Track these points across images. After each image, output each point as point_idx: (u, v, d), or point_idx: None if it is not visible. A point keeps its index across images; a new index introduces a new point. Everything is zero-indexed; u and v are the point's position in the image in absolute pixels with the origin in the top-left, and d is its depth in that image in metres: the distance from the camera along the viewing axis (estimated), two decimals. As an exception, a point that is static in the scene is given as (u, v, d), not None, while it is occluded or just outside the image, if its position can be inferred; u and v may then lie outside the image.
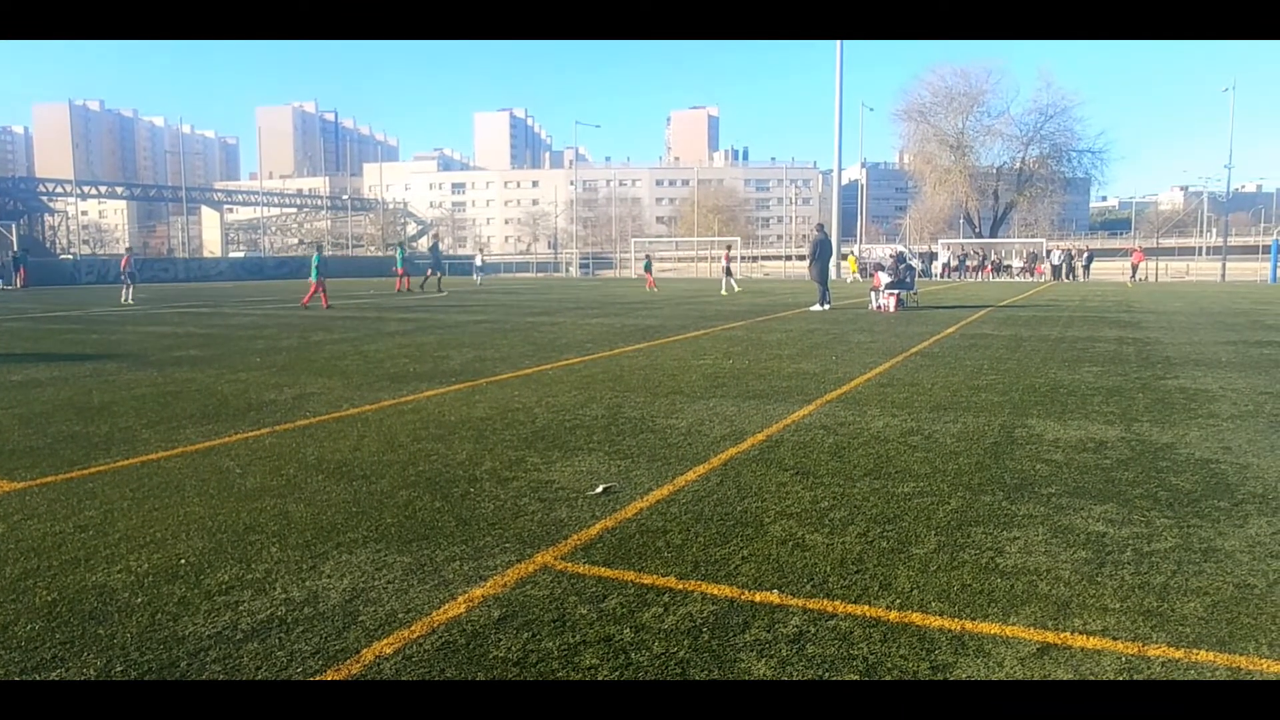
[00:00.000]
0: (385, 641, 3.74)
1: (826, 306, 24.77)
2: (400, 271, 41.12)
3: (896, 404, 9.24)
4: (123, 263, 34.08)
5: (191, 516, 5.49)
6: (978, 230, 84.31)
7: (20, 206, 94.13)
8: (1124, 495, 5.85)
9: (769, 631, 3.81)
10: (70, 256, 65.83)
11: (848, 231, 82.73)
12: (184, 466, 6.76)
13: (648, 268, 46.06)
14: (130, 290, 32.15)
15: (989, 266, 63.44)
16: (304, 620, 3.96)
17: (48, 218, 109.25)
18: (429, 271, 42.45)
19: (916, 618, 3.94)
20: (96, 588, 4.36)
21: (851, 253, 62.88)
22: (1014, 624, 3.88)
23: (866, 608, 4.05)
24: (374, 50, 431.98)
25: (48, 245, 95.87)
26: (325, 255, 28.99)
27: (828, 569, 4.53)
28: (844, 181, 72.91)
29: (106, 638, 3.80)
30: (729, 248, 44.30)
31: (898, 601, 4.12)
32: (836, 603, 4.11)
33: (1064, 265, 58.73)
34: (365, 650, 3.66)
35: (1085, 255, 61.34)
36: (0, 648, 3.71)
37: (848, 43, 58.13)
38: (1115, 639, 3.74)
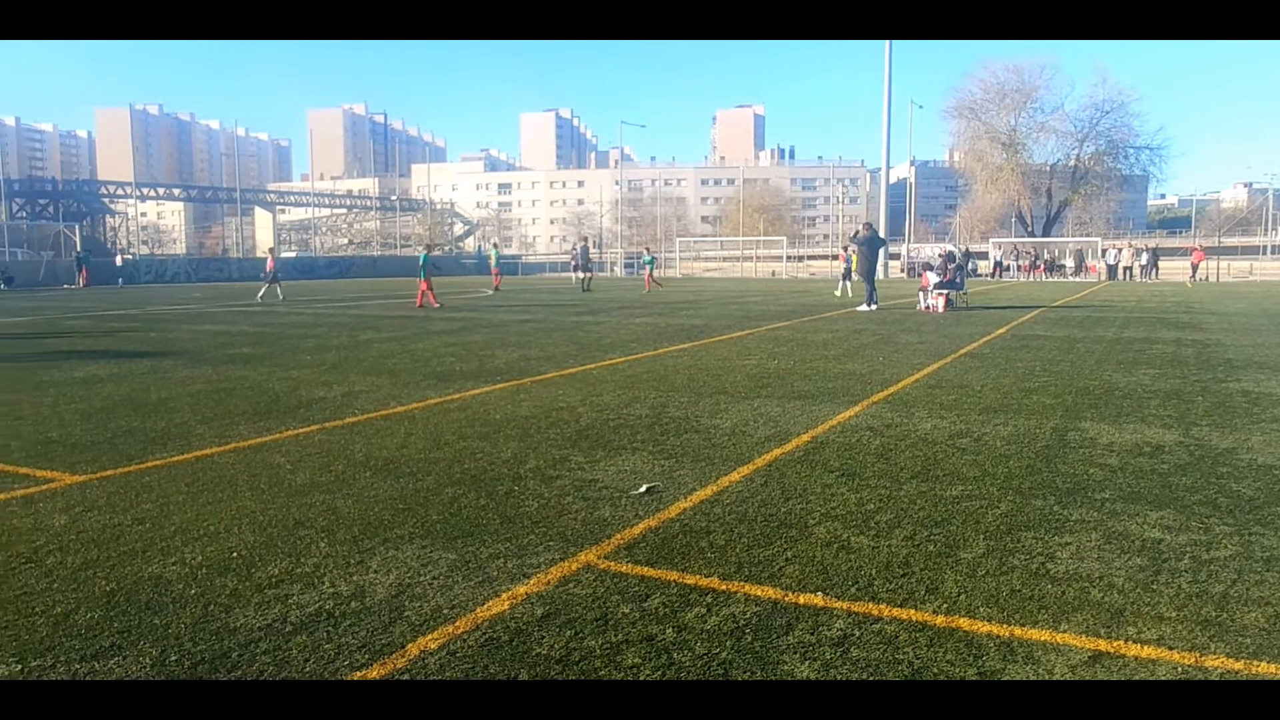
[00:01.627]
0: (430, 637, 3.76)
1: (874, 307, 24.57)
2: (497, 272, 42.13)
3: (945, 406, 9.13)
4: (268, 264, 35.10)
5: (243, 511, 5.56)
6: (1030, 229, 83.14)
7: (83, 208, 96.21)
8: (1182, 501, 5.73)
9: (813, 634, 3.77)
10: (130, 256, 67.10)
11: (896, 230, 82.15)
12: (237, 462, 6.85)
13: (649, 264, 44.10)
14: (271, 289, 32.82)
15: (1041, 266, 62.48)
16: (351, 614, 3.99)
17: (109, 219, 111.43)
18: (581, 273, 41.94)
19: (964, 623, 3.89)
20: (152, 579, 4.43)
21: (846, 247, 62.22)
22: (1065, 631, 3.81)
23: (912, 612, 4.00)
24: (423, 52, 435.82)
25: (109, 246, 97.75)
26: (432, 255, 29.05)
27: (873, 572, 4.48)
28: (892, 180, 72.38)
29: (162, 628, 3.86)
30: (845, 248, 39.06)
31: (945, 606, 4.06)
32: (882, 606, 4.06)
33: (1136, 263, 57.51)
34: (410, 645, 3.68)
35: (1148, 253, 59.75)
36: (62, 635, 3.78)
37: (897, 41, 57.59)
38: (1171, 648, 3.66)
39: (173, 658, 3.58)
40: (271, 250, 43.05)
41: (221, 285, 48.80)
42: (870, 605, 4.07)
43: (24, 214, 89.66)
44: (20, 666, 3.50)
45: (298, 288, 38.94)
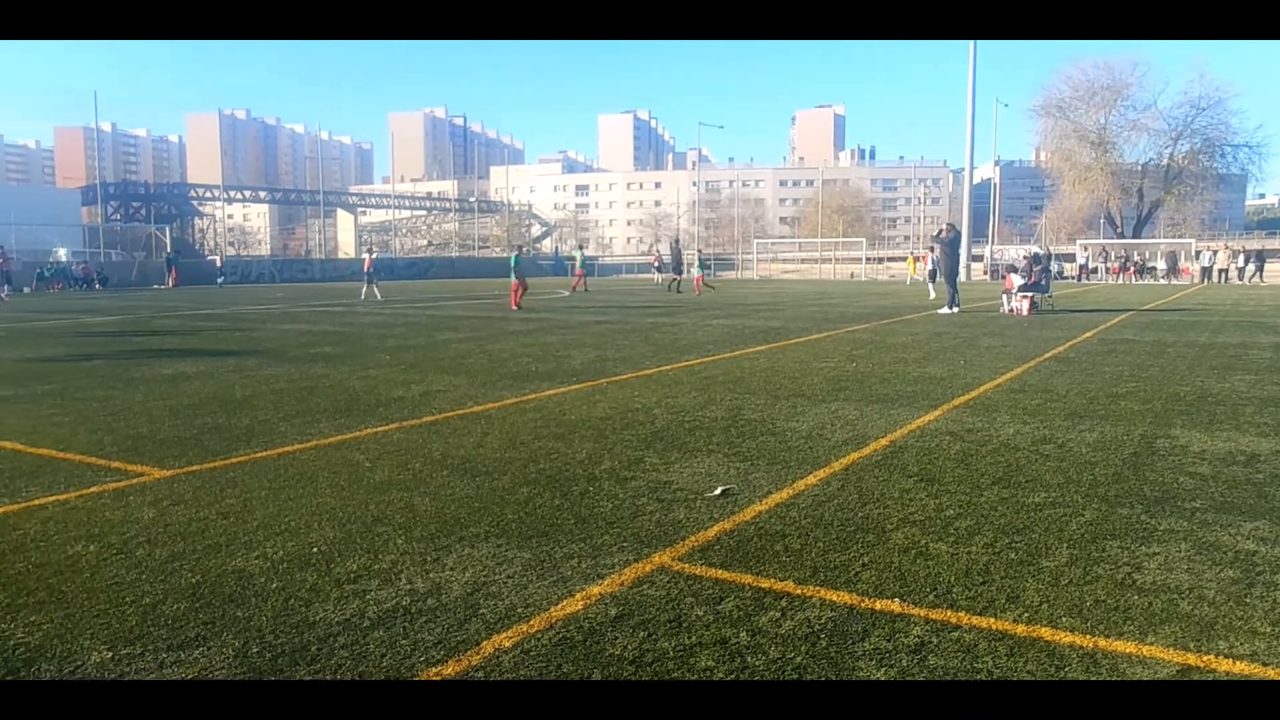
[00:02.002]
0: (504, 635, 3.78)
1: (956, 309, 24.16)
2: (580, 273, 42.39)
3: (1028, 411, 8.94)
4: (366, 264, 35.93)
5: (323, 507, 5.67)
6: (1119, 230, 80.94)
7: (173, 211, 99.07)
8: (1278, 512, 5.53)
9: (889, 640, 3.72)
10: (216, 259, 69.00)
11: (979, 232, 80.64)
12: (317, 458, 6.99)
13: (701, 267, 42.49)
14: (371, 288, 33.51)
15: (1131, 269, 60.84)
16: (427, 611, 4.04)
17: (197, 221, 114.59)
18: (673, 274, 41.36)
19: (1045, 632, 3.80)
20: (236, 572, 4.54)
21: (912, 253, 60.97)
22: (1151, 643, 3.70)
23: (992, 620, 3.92)
24: (502, 55, 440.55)
25: (197, 247, 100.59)
26: (521, 256, 29.31)
27: (952, 579, 4.40)
28: (976, 180, 71.13)
29: (244, 620, 3.95)
30: (931, 249, 36.65)
31: (1026, 615, 3.97)
32: (960, 614, 3.99)
33: (1233, 265, 55.67)
34: (485, 642, 3.71)
35: (1245, 255, 57.71)
36: (150, 625, 3.90)
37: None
38: (1265, 664, 3.53)
39: (254, 650, 3.66)
40: (370, 250, 43.71)
41: (304, 285, 49.88)
42: (948, 613, 4.00)
43: (118, 216, 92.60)
44: (111, 654, 3.61)
45: (379, 289, 39.56)
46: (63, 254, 57.22)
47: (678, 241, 47.17)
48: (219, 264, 55.44)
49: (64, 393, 10.37)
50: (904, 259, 69.57)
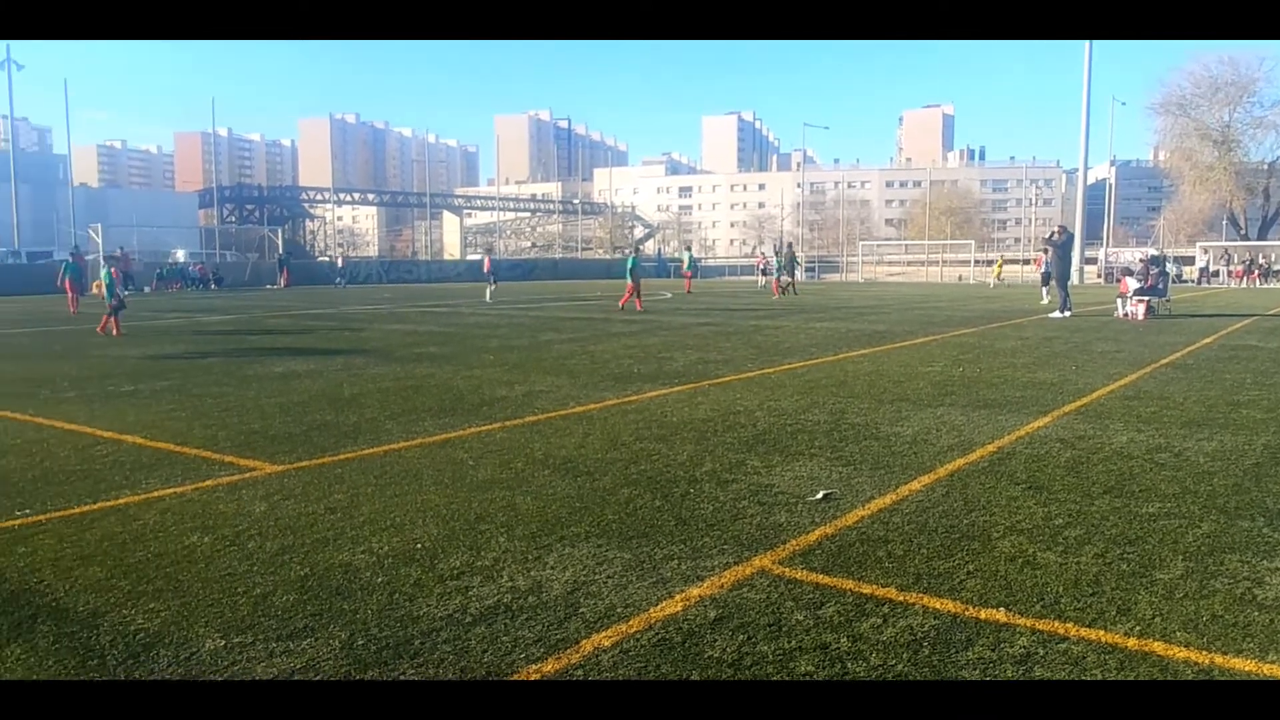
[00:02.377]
0: (604, 634, 3.81)
1: (1067, 314, 23.48)
2: (689, 275, 42.59)
3: (1143, 418, 8.64)
4: (485, 265, 36.70)
5: (428, 504, 5.78)
6: (1243, 232, 77.73)
7: (285, 213, 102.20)
8: None
9: (994, 650, 3.64)
10: (327, 258, 70.96)
11: (1093, 234, 78.34)
12: (422, 456, 7.13)
13: (779, 269, 40.65)
14: (491, 289, 34.22)
15: (1256, 272, 58.30)
16: (528, 609, 4.09)
17: (308, 223, 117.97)
18: (786, 276, 41.02)
19: (1158, 647, 3.66)
20: (342, 566, 4.66)
21: (1000, 258, 59.05)
22: (1273, 661, 3.55)
23: (1102, 633, 3.80)
24: (606, 56, 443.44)
25: (307, 249, 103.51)
26: (639, 257, 29.46)
27: (1060, 589, 4.28)
28: (1090, 181, 69.10)
29: (350, 613, 4.05)
30: (1045, 250, 33.37)
31: (1137, 628, 3.84)
32: (1069, 625, 3.87)
33: None
34: (584, 641, 3.74)
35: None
36: (261, 615, 4.03)
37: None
38: (1396, 686, 3.35)
39: (360, 642, 3.75)
40: (489, 251, 44.32)
41: (411, 286, 50.91)
42: (1056, 624, 3.89)
43: (233, 218, 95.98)
44: (224, 642, 3.74)
45: (481, 289, 40.10)
46: (181, 255, 59.47)
47: (790, 246, 46.61)
48: (339, 264, 56.69)
49: (181, 389, 10.79)
50: (1015, 262, 68.00)
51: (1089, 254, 64.39)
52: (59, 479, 6.48)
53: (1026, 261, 74.36)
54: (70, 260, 28.51)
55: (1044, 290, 32.74)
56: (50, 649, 3.70)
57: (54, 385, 11.23)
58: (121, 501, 5.88)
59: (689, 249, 51.32)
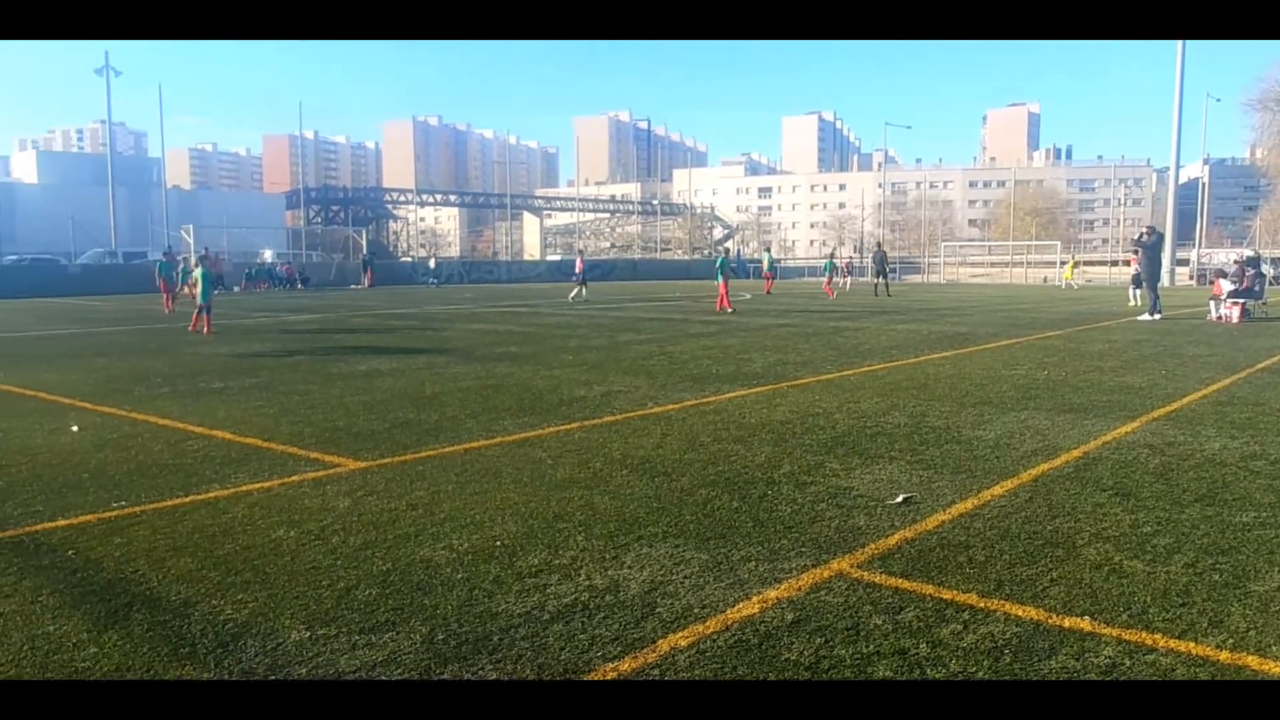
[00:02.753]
0: (680, 634, 3.82)
1: (1157, 316, 22.87)
2: (769, 276, 42.60)
3: (1237, 424, 8.38)
4: (577, 265, 37.02)
5: (507, 502, 5.85)
6: (1344, 232, 74.78)
7: (369, 214, 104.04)
8: None
9: (1078, 660, 3.56)
10: (409, 258, 72.05)
11: (1185, 234, 75.96)
12: (502, 455, 7.22)
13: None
14: (582, 289, 34.48)
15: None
16: (605, 607, 4.12)
17: (391, 224, 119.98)
18: (881, 279, 40.15)
19: (1253, 661, 3.55)
20: (423, 561, 4.74)
21: (1072, 259, 57.04)
22: (1375, 678, 3.42)
23: (1192, 645, 3.70)
24: (686, 57, 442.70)
25: (390, 249, 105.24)
26: (728, 258, 29.40)
27: (1148, 599, 4.17)
28: (1182, 180, 67.11)
29: (431, 608, 4.12)
30: (1135, 252, 31.42)
31: (1230, 641, 3.73)
32: (1157, 636, 3.78)
33: None
34: (661, 641, 3.75)
35: None
36: (344, 608, 4.12)
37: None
38: None
39: (440, 637, 3.81)
40: (581, 252, 44.54)
41: (492, 286, 51.48)
42: (1144, 634, 3.80)
43: (319, 219, 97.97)
44: (309, 634, 3.83)
45: (563, 289, 40.47)
46: (268, 255, 60.90)
47: (880, 246, 46.15)
48: (432, 265, 57.27)
49: (269, 386, 11.06)
50: (1100, 263, 66.31)
51: (1180, 255, 62.54)
52: (153, 472, 6.70)
53: (1114, 263, 72.55)
54: (164, 260, 29.45)
55: (1133, 292, 31.75)
56: (144, 636, 3.83)
57: (149, 382, 11.61)
58: (212, 495, 6.06)
59: (768, 250, 51.11)
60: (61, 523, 5.47)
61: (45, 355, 15.32)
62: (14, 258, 52.05)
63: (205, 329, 19.25)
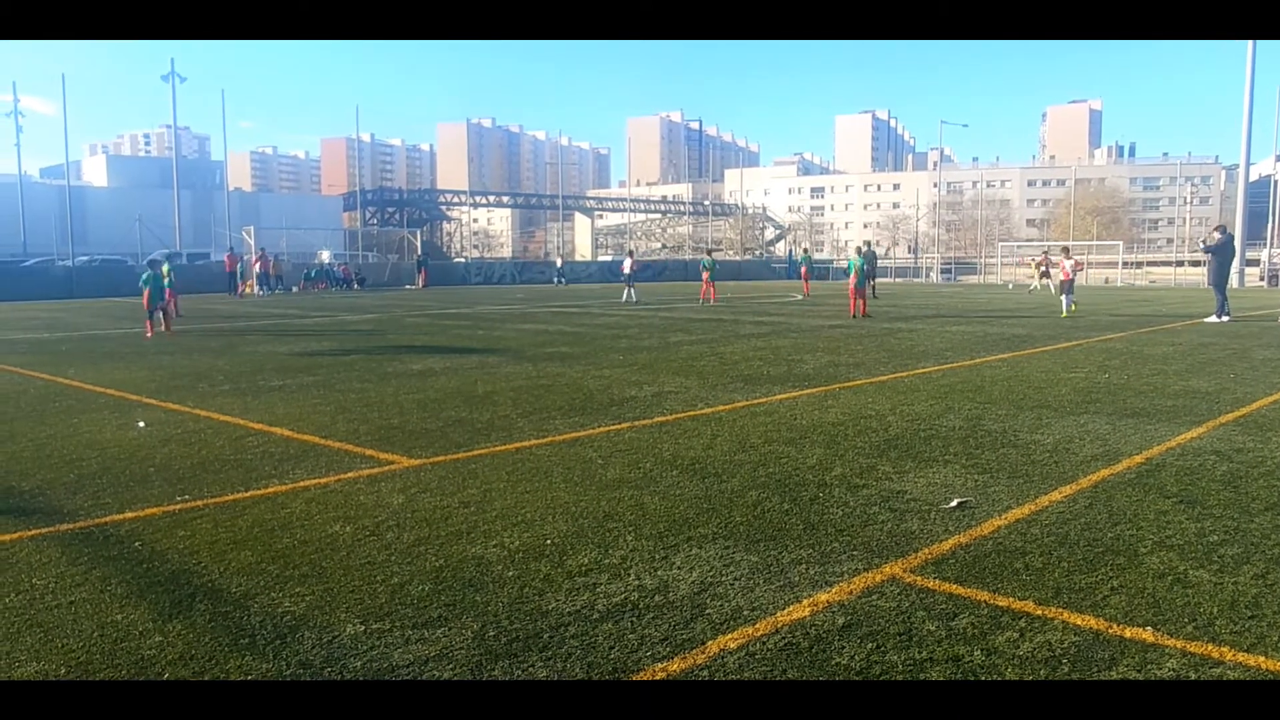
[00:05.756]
0: (730, 636, 3.79)
1: (1225, 318, 22.35)
2: (805, 273, 42.28)
3: (1306, 430, 8.16)
4: (626, 266, 36.47)
5: (557, 501, 5.86)
6: None
7: (424, 215, 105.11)
8: None
9: (1139, 672, 3.48)
10: (463, 259, 72.71)
11: (1255, 234, 74.20)
12: (552, 454, 7.24)
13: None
14: (632, 290, 34.36)
15: None
16: (654, 608, 4.11)
17: (445, 225, 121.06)
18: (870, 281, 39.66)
19: (1324, 675, 3.45)
20: (475, 559, 4.77)
21: (1036, 258, 54.83)
22: None
23: (1262, 659, 3.59)
24: (738, 56, 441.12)
25: (444, 250, 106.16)
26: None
27: (1214, 610, 4.07)
28: (1253, 178, 65.55)
29: (482, 604, 4.15)
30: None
31: (1300, 654, 3.62)
32: (1223, 649, 3.68)
33: None
34: (710, 642, 3.74)
35: None
36: (398, 603, 4.16)
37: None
38: None
39: (491, 633, 3.82)
40: (631, 253, 44.49)
41: (543, 287, 51.68)
42: (1209, 646, 3.70)
43: (375, 221, 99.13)
44: (364, 628, 3.87)
45: (613, 290, 40.42)
46: (326, 256, 61.66)
47: (869, 245, 45.85)
48: (559, 265, 57.29)
49: (326, 384, 11.21)
50: (1168, 263, 64.93)
51: (1251, 256, 61.06)
52: (215, 467, 6.82)
53: (1180, 263, 71.10)
54: (150, 272, 29.25)
55: (1065, 301, 28.70)
56: (207, 626, 3.90)
57: (211, 379, 11.82)
58: (271, 490, 6.15)
59: (805, 251, 50.79)
60: (129, 515, 5.59)
61: (113, 353, 15.67)
62: (85, 258, 53.21)
63: (165, 328, 19.71)
